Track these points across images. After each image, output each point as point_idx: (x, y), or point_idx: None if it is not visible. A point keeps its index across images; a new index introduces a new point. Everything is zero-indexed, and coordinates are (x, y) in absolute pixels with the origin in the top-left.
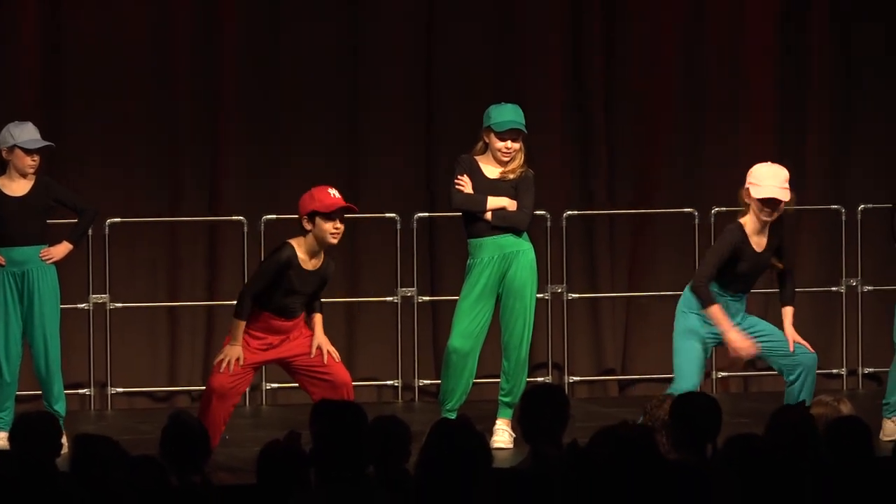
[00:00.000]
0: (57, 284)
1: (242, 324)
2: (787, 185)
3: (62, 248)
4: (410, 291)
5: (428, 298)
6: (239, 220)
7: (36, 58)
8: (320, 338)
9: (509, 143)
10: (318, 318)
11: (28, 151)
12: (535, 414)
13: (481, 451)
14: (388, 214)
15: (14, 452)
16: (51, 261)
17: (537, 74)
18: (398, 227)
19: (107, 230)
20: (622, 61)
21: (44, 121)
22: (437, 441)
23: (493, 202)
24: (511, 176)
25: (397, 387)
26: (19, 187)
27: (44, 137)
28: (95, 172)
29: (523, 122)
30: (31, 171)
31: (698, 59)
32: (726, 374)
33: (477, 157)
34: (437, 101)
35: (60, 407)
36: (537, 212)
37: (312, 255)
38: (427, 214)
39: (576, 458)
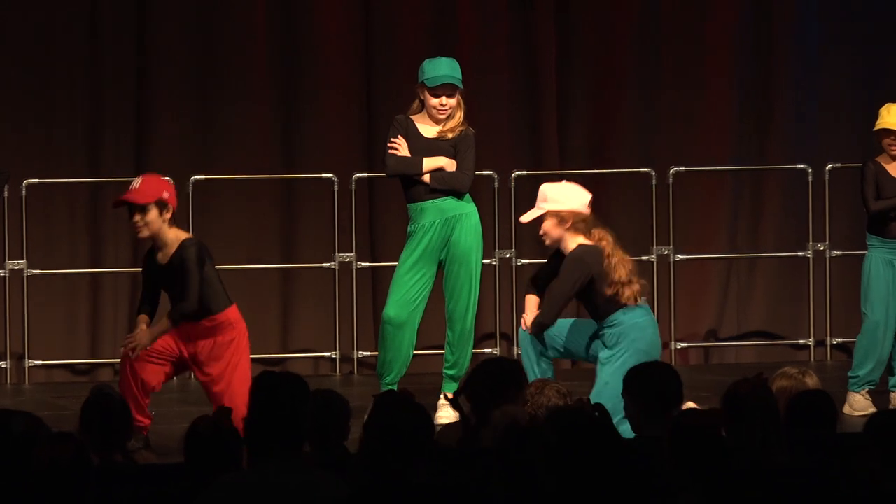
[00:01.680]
0: None
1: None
2: None
3: None
4: (349, 257)
5: (367, 264)
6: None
7: None
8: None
9: (444, 100)
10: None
11: None
12: (487, 388)
13: (425, 427)
14: (324, 175)
15: None
16: None
17: (483, 28)
18: (335, 187)
19: (24, 192)
20: (575, 10)
21: None
22: (378, 416)
23: (430, 163)
24: (450, 135)
25: (335, 359)
26: None
27: None
28: (7, 129)
29: (459, 76)
30: None
31: (655, 12)
32: (686, 344)
33: (413, 117)
34: (378, 54)
35: None
36: (484, 171)
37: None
38: (366, 175)
39: (518, 436)
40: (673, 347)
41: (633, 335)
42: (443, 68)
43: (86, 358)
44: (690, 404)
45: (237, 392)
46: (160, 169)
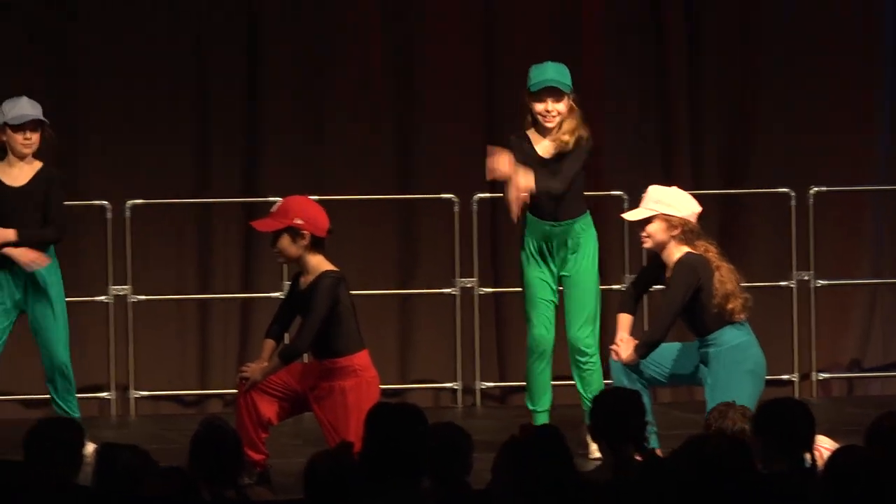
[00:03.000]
0: (58, 275)
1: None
2: None
3: (5, 233)
4: (471, 282)
5: (490, 290)
6: (274, 202)
7: (51, 31)
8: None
9: (550, 105)
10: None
11: (17, 128)
12: (612, 418)
13: (566, 466)
14: (444, 195)
15: (29, 464)
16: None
17: (609, 52)
18: (456, 209)
19: (128, 213)
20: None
21: (60, 98)
22: (515, 455)
23: (517, 185)
24: (566, 139)
25: (456, 390)
26: (19, 175)
27: (59, 113)
28: (114, 148)
29: (567, 81)
30: (27, 150)
31: (791, 21)
32: (827, 375)
33: (529, 133)
34: (498, 71)
35: (72, 407)
36: (612, 192)
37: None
38: (489, 195)
39: (656, 468)
40: (814, 378)
41: (736, 356)
42: (548, 72)
43: (194, 389)
44: (823, 439)
45: (351, 438)
46: (272, 189)
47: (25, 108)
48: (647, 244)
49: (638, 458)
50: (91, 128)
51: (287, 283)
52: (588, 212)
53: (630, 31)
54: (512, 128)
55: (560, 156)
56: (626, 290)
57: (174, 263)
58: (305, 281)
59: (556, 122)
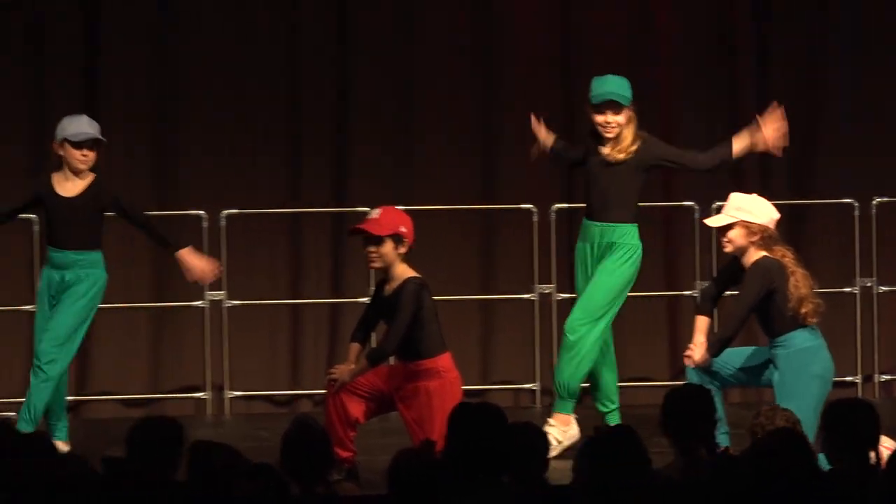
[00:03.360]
0: (97, 291)
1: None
2: None
3: (194, 257)
4: (549, 288)
5: (567, 295)
6: (363, 212)
7: (149, 43)
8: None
9: (609, 117)
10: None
11: (77, 145)
12: (682, 416)
13: (642, 464)
14: (523, 206)
15: (131, 460)
16: (206, 281)
17: (682, 68)
18: (535, 219)
19: (223, 222)
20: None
21: (158, 109)
22: (598, 451)
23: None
24: (621, 156)
25: (535, 391)
26: (72, 187)
27: (158, 125)
28: (210, 160)
29: (626, 94)
30: (83, 166)
31: (856, 29)
32: (889, 377)
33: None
34: (577, 84)
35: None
36: (684, 203)
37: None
38: (566, 205)
39: (728, 465)
40: (876, 380)
41: (805, 359)
42: (608, 85)
43: (286, 389)
44: (885, 439)
45: (435, 438)
46: (360, 200)
47: (85, 126)
48: (728, 248)
49: (707, 456)
50: (189, 141)
51: (373, 289)
52: (635, 225)
53: (702, 48)
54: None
55: (624, 162)
56: (703, 291)
57: (267, 270)
58: (390, 287)
59: (615, 134)
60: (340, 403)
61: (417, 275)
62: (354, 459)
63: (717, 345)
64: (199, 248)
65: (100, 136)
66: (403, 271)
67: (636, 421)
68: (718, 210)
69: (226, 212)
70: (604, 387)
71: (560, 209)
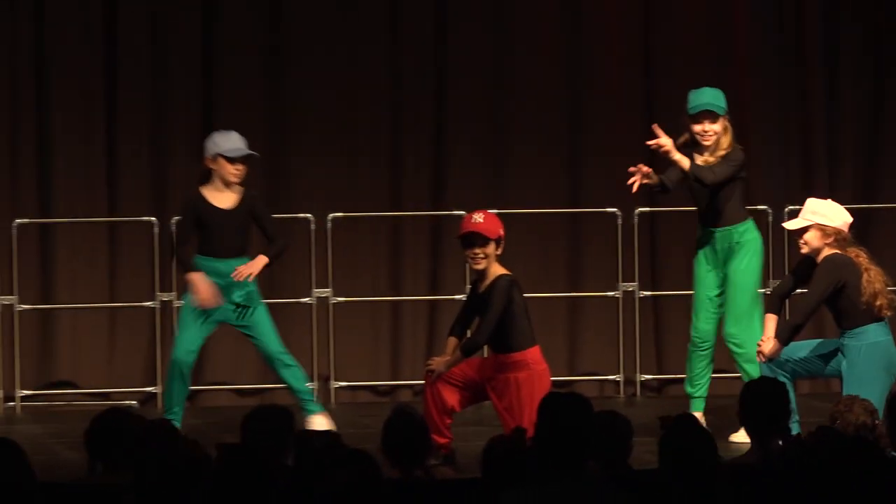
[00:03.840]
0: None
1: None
2: None
3: (260, 262)
4: (632, 286)
5: (650, 293)
6: (459, 215)
7: (261, 56)
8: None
9: (706, 125)
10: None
11: (231, 160)
12: (758, 407)
13: (712, 448)
14: (608, 210)
15: (245, 446)
16: (251, 277)
17: (756, 77)
18: (619, 222)
19: (329, 224)
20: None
21: (270, 120)
22: (673, 438)
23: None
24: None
25: (619, 381)
26: (226, 199)
27: (270, 134)
28: (317, 166)
29: (721, 104)
30: (236, 180)
31: None
32: None
33: (695, 154)
34: (660, 88)
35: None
36: (758, 206)
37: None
38: (648, 209)
39: (800, 453)
40: None
41: (874, 353)
42: (704, 97)
43: (387, 380)
44: None
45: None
46: (455, 203)
47: (238, 142)
48: (805, 250)
49: (780, 443)
50: (297, 149)
51: (468, 287)
52: (750, 219)
53: (774, 58)
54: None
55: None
56: (775, 289)
57: (370, 269)
58: (483, 285)
59: (713, 142)
60: (437, 393)
61: (508, 273)
62: (450, 445)
63: (786, 332)
64: (306, 248)
65: (252, 152)
66: (496, 270)
67: (715, 410)
68: (793, 214)
69: (332, 215)
70: (696, 374)
71: (643, 212)
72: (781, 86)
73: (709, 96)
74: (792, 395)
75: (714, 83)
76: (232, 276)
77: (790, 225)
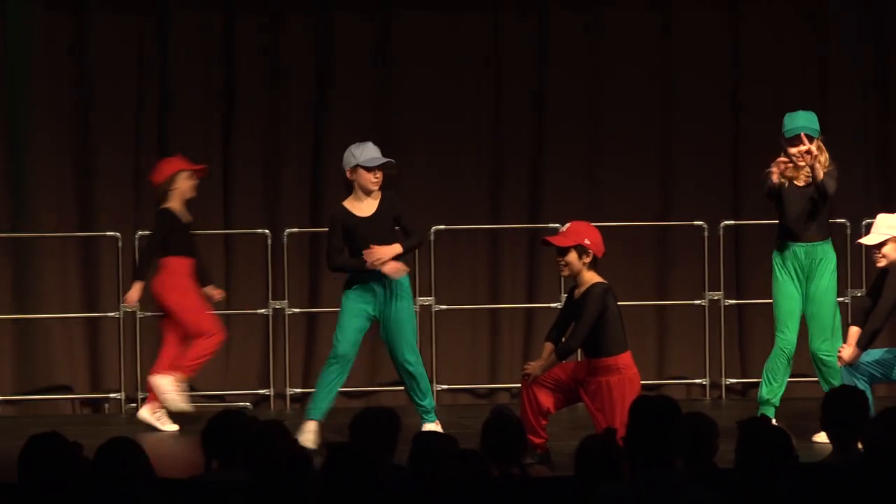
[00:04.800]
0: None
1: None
2: None
3: (393, 249)
4: (717, 295)
5: (734, 302)
6: (555, 228)
7: (370, 78)
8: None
9: (803, 148)
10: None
11: (370, 169)
12: (838, 412)
13: (790, 447)
14: (696, 223)
15: (354, 445)
16: (380, 262)
17: (835, 98)
18: (706, 234)
19: (432, 237)
20: None
21: (381, 136)
22: (749, 439)
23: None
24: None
25: (705, 385)
26: (367, 207)
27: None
28: (420, 180)
29: (815, 126)
30: (375, 187)
31: None
32: None
33: (789, 176)
34: (749, 100)
35: (428, 402)
36: (840, 219)
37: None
38: (733, 222)
39: (877, 456)
40: None
41: None
42: (799, 120)
43: (486, 383)
44: None
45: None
46: (553, 217)
47: (374, 151)
48: (882, 263)
49: (860, 446)
50: (406, 164)
51: (564, 296)
52: (829, 238)
53: (855, 79)
54: (756, 162)
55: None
56: (858, 304)
57: (470, 279)
58: (579, 292)
59: (809, 162)
60: (533, 395)
61: (603, 281)
62: (546, 445)
63: (865, 338)
64: (411, 259)
65: (389, 159)
66: (590, 278)
67: (794, 413)
68: (868, 228)
69: (435, 227)
70: (774, 380)
71: (727, 225)
72: (862, 104)
73: (804, 119)
74: (870, 397)
75: (797, 100)
76: (365, 253)
77: (868, 240)
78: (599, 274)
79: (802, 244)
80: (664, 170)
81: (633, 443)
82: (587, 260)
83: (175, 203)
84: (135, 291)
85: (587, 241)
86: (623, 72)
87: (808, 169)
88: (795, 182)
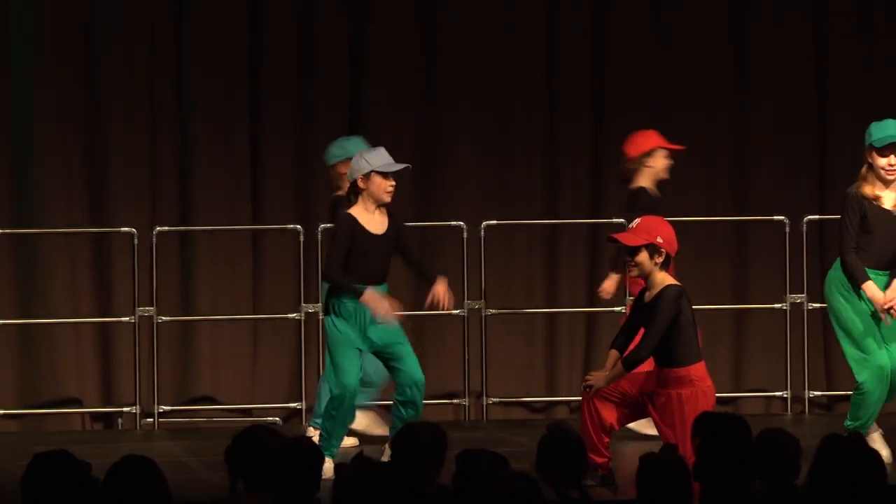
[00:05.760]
0: None
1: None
2: None
3: (443, 285)
4: (800, 298)
5: (818, 305)
6: (620, 223)
7: (412, 65)
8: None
9: (893, 159)
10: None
11: (386, 176)
12: None
13: (876, 467)
14: (776, 217)
15: (396, 463)
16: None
17: None
18: (787, 230)
19: (482, 233)
20: None
21: (421, 129)
22: (828, 456)
23: None
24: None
25: (786, 398)
26: (378, 223)
27: (421, 143)
28: (469, 173)
29: None
30: (389, 198)
31: None
32: None
33: (865, 190)
34: (830, 108)
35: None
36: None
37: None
38: (817, 217)
39: None
40: None
41: None
42: (889, 128)
43: (542, 395)
44: None
45: (689, 447)
46: (610, 212)
47: (388, 156)
48: None
49: None
50: (450, 155)
51: (630, 299)
52: None
53: None
54: (844, 151)
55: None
56: None
57: (524, 279)
58: (650, 295)
59: None
60: (595, 409)
61: (677, 282)
62: (609, 465)
63: None
64: (459, 258)
65: (406, 165)
66: (663, 279)
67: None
68: None
69: (486, 223)
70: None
71: (811, 220)
72: None
73: (895, 128)
74: None
75: (883, 101)
76: (378, 305)
77: None
78: (674, 274)
79: (886, 273)
80: (739, 160)
81: (703, 466)
82: (659, 259)
83: (646, 181)
84: (612, 283)
85: (660, 239)
86: (692, 61)
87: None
88: (880, 203)
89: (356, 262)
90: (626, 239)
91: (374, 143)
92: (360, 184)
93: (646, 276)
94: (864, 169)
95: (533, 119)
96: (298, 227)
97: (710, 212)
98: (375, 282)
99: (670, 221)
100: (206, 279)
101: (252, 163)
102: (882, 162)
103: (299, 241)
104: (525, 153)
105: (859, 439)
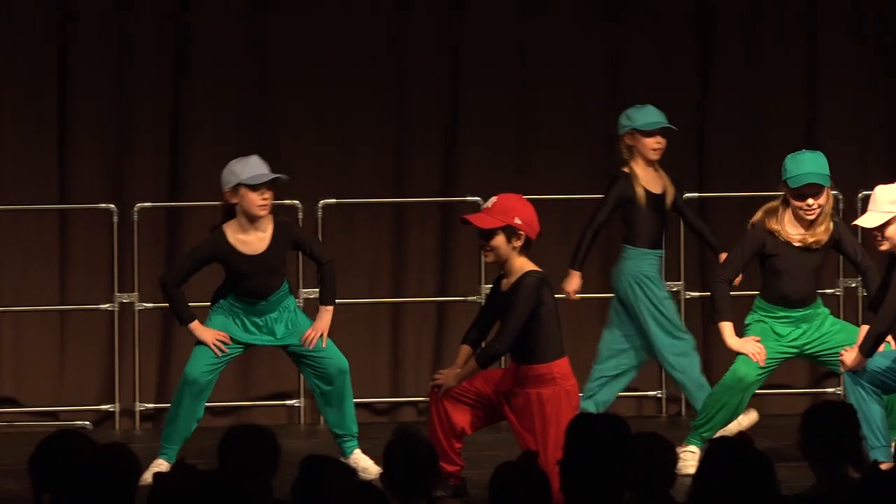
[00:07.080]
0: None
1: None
2: None
3: (326, 319)
4: (678, 286)
5: (696, 294)
6: (475, 202)
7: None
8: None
9: (810, 201)
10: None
11: (256, 188)
12: (822, 432)
13: (763, 474)
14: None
15: (225, 469)
16: (320, 340)
17: None
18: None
19: (319, 213)
20: None
21: (258, 104)
22: (713, 461)
23: None
24: (811, 239)
25: (660, 398)
26: (256, 240)
27: (255, 114)
28: (303, 150)
29: (827, 171)
30: (263, 212)
31: None
32: None
33: (772, 225)
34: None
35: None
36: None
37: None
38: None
39: (876, 483)
40: None
41: None
42: (807, 165)
43: (386, 396)
44: None
45: (550, 453)
46: (472, 189)
47: (260, 166)
48: (885, 247)
49: (856, 474)
50: (284, 131)
51: (486, 287)
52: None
53: None
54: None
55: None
56: (870, 302)
57: (367, 266)
58: (508, 282)
59: (816, 216)
60: (444, 412)
61: (537, 269)
62: (461, 474)
63: (868, 342)
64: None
65: (280, 175)
66: (523, 265)
67: (775, 433)
68: (864, 204)
69: (323, 202)
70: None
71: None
72: None
73: (812, 164)
74: (875, 410)
75: None
76: (304, 344)
77: (865, 221)
78: (532, 260)
79: (801, 311)
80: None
81: (570, 472)
82: (518, 243)
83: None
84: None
85: (518, 221)
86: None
87: (817, 226)
88: (799, 239)
89: (235, 283)
90: (479, 221)
91: (200, 120)
92: (230, 198)
93: (502, 263)
94: (776, 202)
95: (380, 93)
96: (112, 206)
97: (576, 189)
98: (268, 294)
99: (534, 199)
100: (8, 265)
101: (59, 139)
102: (799, 203)
103: (112, 223)
104: (368, 130)
105: (749, 442)
